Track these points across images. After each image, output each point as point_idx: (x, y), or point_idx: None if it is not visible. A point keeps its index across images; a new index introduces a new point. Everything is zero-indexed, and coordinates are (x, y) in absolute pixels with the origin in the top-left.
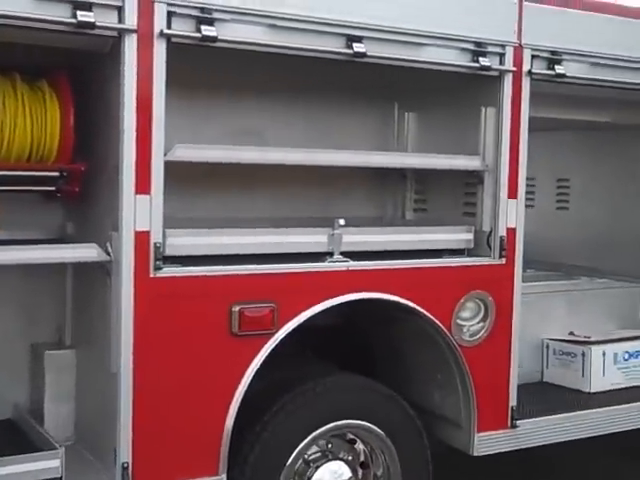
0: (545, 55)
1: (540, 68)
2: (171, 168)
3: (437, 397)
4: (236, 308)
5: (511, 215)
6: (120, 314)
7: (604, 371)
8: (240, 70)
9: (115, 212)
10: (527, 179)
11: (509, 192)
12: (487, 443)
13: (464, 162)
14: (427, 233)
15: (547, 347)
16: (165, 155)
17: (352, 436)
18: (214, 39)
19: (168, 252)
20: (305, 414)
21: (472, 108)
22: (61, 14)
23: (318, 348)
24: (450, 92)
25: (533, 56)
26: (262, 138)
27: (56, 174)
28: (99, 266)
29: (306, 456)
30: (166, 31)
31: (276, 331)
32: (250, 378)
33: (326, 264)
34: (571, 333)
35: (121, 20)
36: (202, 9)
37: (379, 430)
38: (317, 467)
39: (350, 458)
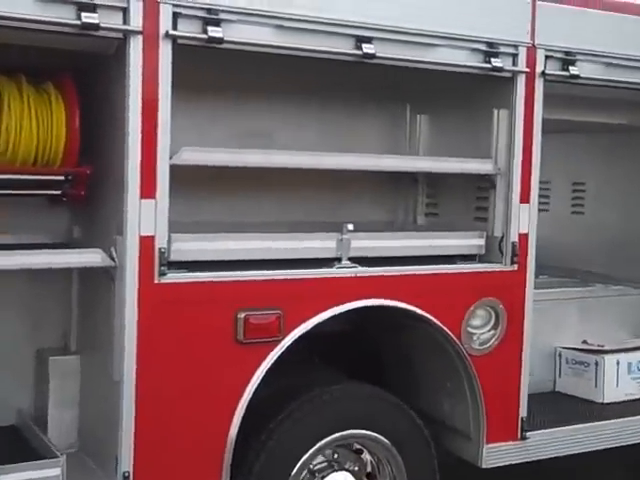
0: (559, 56)
1: (554, 69)
2: (177, 171)
3: (446, 406)
4: (242, 315)
5: (523, 220)
6: (123, 320)
7: (618, 381)
8: (249, 71)
9: (120, 216)
10: (542, 182)
11: (521, 196)
12: (496, 455)
13: (476, 166)
14: (437, 238)
15: (560, 356)
16: (171, 158)
17: (359, 446)
18: (220, 40)
19: (173, 257)
20: (311, 423)
21: (484, 110)
22: (65, 16)
23: (326, 355)
24: (462, 94)
25: (547, 57)
26: (271, 140)
27: (61, 178)
28: (104, 271)
29: (311, 466)
30: (172, 32)
31: (282, 338)
32: (255, 386)
33: (334, 270)
34: (584, 341)
35: (126, 21)
36: (208, 10)
37: (386, 440)
38: (323, 477)
39: (356, 469)
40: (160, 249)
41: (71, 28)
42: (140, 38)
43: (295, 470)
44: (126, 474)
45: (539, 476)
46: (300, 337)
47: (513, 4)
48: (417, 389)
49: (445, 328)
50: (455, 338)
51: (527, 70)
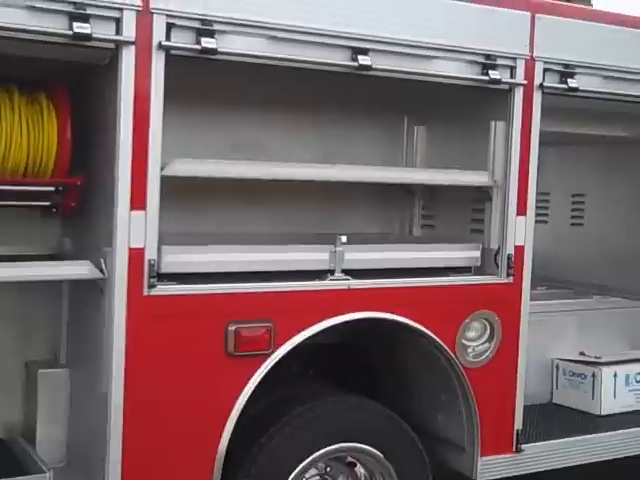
0: (557, 68)
1: (552, 81)
2: (171, 182)
3: (441, 419)
4: (232, 327)
5: (520, 233)
6: (112, 332)
7: (615, 393)
8: (244, 82)
9: (109, 228)
10: (541, 194)
11: (518, 209)
12: (491, 468)
13: (471, 178)
14: (432, 251)
15: (557, 367)
16: (162, 170)
17: (352, 459)
18: (214, 51)
19: (164, 269)
20: (302, 436)
21: (482, 122)
22: (57, 26)
23: (322, 366)
24: (460, 105)
25: (545, 69)
26: (267, 152)
27: (51, 189)
28: (93, 283)
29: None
30: (165, 43)
31: (273, 351)
32: (246, 400)
33: (326, 282)
34: (582, 353)
35: (119, 32)
36: (202, 21)
37: (379, 453)
38: None
39: None
40: (150, 261)
41: (63, 38)
42: (133, 49)
43: None
44: None
45: None
46: (294, 349)
47: (512, 16)
48: (411, 401)
49: (439, 340)
50: (449, 351)
51: (525, 82)
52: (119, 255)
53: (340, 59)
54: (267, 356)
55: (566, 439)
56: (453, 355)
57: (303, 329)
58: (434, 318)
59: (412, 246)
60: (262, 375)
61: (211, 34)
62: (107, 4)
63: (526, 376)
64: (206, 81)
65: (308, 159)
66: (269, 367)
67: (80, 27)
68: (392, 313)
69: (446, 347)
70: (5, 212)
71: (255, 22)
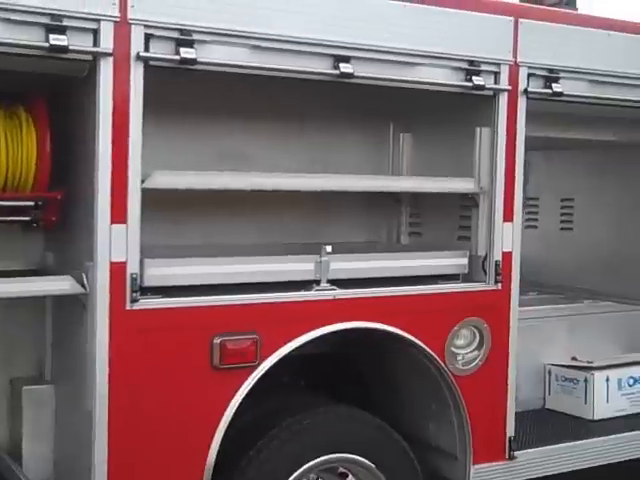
0: (542, 73)
1: (537, 87)
2: (153, 194)
3: (432, 428)
4: (217, 340)
5: (507, 239)
6: (94, 348)
7: (608, 397)
8: (228, 92)
9: (90, 242)
10: (530, 199)
11: (505, 215)
12: (484, 476)
13: (457, 185)
14: (419, 259)
15: (549, 373)
16: (143, 182)
17: (343, 470)
18: (193, 61)
19: (147, 283)
20: (292, 448)
21: (467, 128)
22: (33, 38)
23: (312, 377)
24: (445, 112)
25: (529, 74)
26: (252, 162)
27: (31, 204)
28: (76, 299)
29: None
30: (143, 54)
31: (259, 363)
32: (233, 412)
33: (311, 293)
34: (574, 358)
35: (96, 43)
36: (181, 31)
37: (370, 463)
38: None
39: None
40: (132, 275)
41: (39, 51)
42: (111, 60)
43: None
44: None
45: None
46: (284, 360)
47: (495, 22)
48: (402, 410)
49: (428, 349)
50: (438, 359)
51: (509, 88)
52: (100, 269)
53: (321, 67)
54: (253, 368)
55: (559, 445)
56: (442, 363)
57: (289, 340)
58: (422, 327)
59: (398, 255)
60: (249, 387)
61: (190, 44)
62: (84, 15)
63: (518, 382)
64: (189, 91)
65: (294, 168)
66: (256, 379)
67: (56, 39)
68: (379, 322)
69: (435, 356)
70: None
71: (235, 31)
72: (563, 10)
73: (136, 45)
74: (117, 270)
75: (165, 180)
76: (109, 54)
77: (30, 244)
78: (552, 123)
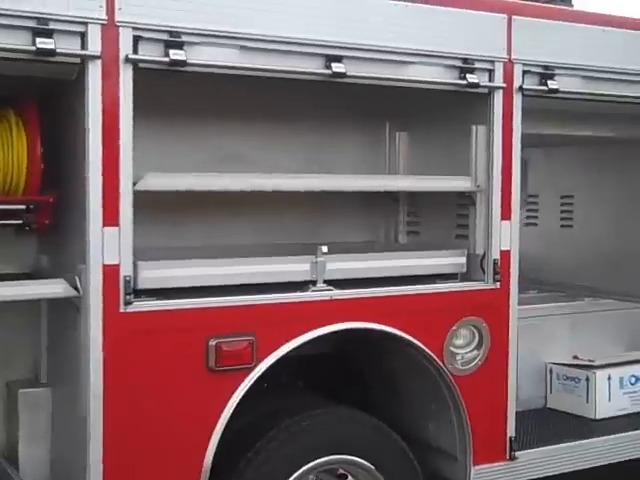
0: (537, 70)
1: (532, 84)
2: (150, 196)
3: (432, 428)
4: (213, 342)
5: (505, 237)
6: (88, 351)
7: (610, 396)
8: (222, 93)
9: (82, 245)
10: (530, 196)
11: (502, 213)
12: (484, 476)
13: (454, 183)
14: (416, 258)
15: (550, 372)
16: (136, 184)
17: (343, 471)
18: (183, 63)
19: (141, 285)
20: (290, 450)
21: (463, 126)
22: (19, 42)
23: (312, 377)
24: (442, 110)
25: (524, 71)
26: (248, 163)
27: (22, 207)
28: (69, 301)
29: None
30: (132, 56)
31: (256, 365)
32: (230, 414)
33: (308, 294)
34: (575, 357)
35: (84, 46)
36: (170, 32)
37: (369, 465)
38: None
39: None
40: (125, 277)
41: (26, 54)
42: (99, 63)
43: None
44: None
45: None
46: (282, 361)
47: (488, 19)
48: (402, 410)
49: (426, 349)
50: (437, 359)
51: (504, 85)
52: (93, 272)
53: (313, 67)
54: (250, 370)
55: (561, 445)
56: (441, 363)
57: (286, 341)
58: (420, 326)
59: (396, 254)
60: (246, 389)
61: (180, 46)
62: (71, 18)
63: (520, 381)
64: (180, 93)
65: (290, 168)
66: (252, 381)
67: (43, 42)
68: (377, 323)
69: (434, 355)
70: None
71: (225, 32)
72: (558, 7)
73: (125, 47)
74: (110, 273)
75: (157, 182)
76: (97, 57)
77: (24, 247)
78: (548, 120)
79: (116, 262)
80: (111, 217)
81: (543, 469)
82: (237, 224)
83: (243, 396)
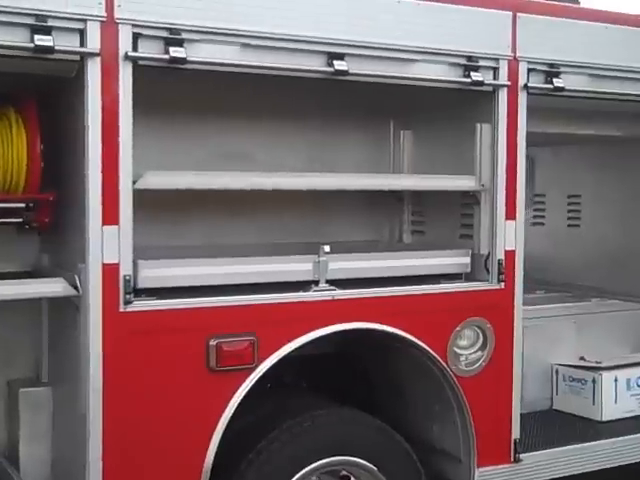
0: (542, 68)
1: (537, 82)
2: (152, 194)
3: (436, 430)
4: (213, 342)
5: (509, 237)
6: (88, 351)
7: (616, 398)
8: (226, 91)
9: (83, 244)
10: (537, 196)
11: (507, 213)
12: (488, 479)
13: (458, 182)
14: (419, 258)
15: (556, 373)
16: (135, 183)
17: (345, 472)
18: (183, 60)
19: (141, 285)
20: (292, 451)
21: (467, 125)
22: (18, 39)
23: (315, 377)
24: (446, 109)
25: (529, 69)
26: (251, 162)
27: (22, 205)
28: (69, 300)
29: None
30: (132, 54)
31: (257, 365)
32: (231, 414)
33: (309, 294)
34: (582, 358)
35: (83, 43)
36: (170, 30)
37: (372, 466)
38: None
39: None
40: (125, 276)
41: (24, 51)
42: (98, 60)
43: None
44: None
45: None
46: (285, 361)
47: (493, 16)
48: (406, 411)
49: (430, 350)
50: (441, 360)
51: (509, 83)
52: (92, 271)
53: (315, 65)
54: (251, 370)
55: (566, 447)
56: (445, 364)
57: (288, 342)
58: (424, 327)
59: (399, 254)
60: (247, 389)
61: (180, 43)
62: (70, 15)
63: (525, 382)
64: (183, 90)
65: (293, 167)
66: (254, 381)
67: (41, 40)
68: (380, 323)
69: (437, 356)
70: None
71: (225, 30)
72: (563, 4)
73: (124, 45)
74: (110, 272)
75: (157, 180)
76: (96, 54)
77: (25, 246)
78: (553, 118)
79: (116, 261)
80: (111, 216)
81: (548, 472)
82: (239, 223)
83: (245, 396)
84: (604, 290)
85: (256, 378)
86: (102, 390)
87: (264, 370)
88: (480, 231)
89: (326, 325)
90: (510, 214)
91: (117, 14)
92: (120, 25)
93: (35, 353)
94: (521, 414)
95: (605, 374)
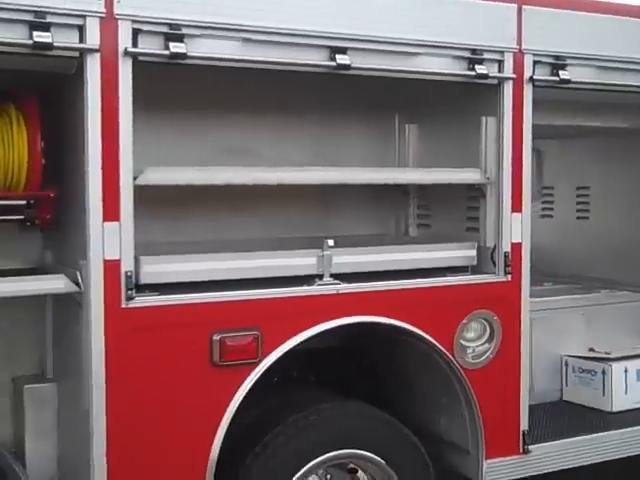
0: (548, 60)
1: (543, 74)
2: (153, 190)
3: (444, 422)
4: (217, 337)
5: (516, 230)
6: (90, 347)
7: (626, 389)
8: (230, 87)
9: (83, 240)
10: (546, 188)
11: (513, 206)
12: (496, 471)
13: (464, 175)
14: (425, 251)
15: (566, 364)
16: (136, 179)
17: (353, 465)
18: (183, 56)
19: (143, 280)
20: (298, 444)
21: (473, 118)
22: (16, 35)
23: (323, 371)
24: (451, 102)
25: (535, 62)
26: (255, 157)
27: (23, 202)
28: (72, 297)
29: None
30: (131, 49)
31: (261, 360)
32: (235, 409)
33: (313, 288)
34: (591, 349)
35: (82, 39)
36: (170, 25)
37: (380, 459)
38: None
39: None
40: (126, 272)
41: (23, 48)
42: (98, 56)
43: None
44: None
45: None
46: (292, 355)
47: (497, 9)
48: (414, 404)
49: (436, 343)
50: (447, 352)
51: (514, 76)
52: (94, 268)
53: (317, 59)
54: (255, 364)
55: (575, 438)
56: (452, 357)
57: (292, 336)
58: (430, 320)
59: (404, 247)
60: (251, 383)
61: (180, 38)
62: (68, 12)
63: (535, 374)
64: (184, 85)
65: (298, 162)
66: (258, 375)
67: (40, 36)
68: (386, 316)
69: (444, 349)
70: None
71: (226, 24)
72: None
73: (124, 41)
74: (111, 268)
75: (158, 176)
76: (96, 50)
77: (28, 243)
78: (559, 111)
79: (117, 257)
80: (111, 212)
81: (558, 463)
82: (243, 218)
83: (250, 390)
84: (613, 281)
85: (260, 372)
86: (105, 386)
87: (268, 364)
88: (486, 224)
89: (330, 319)
90: (516, 206)
91: (116, 10)
92: (120, 21)
93: (40, 350)
94: (531, 406)
95: (615, 365)
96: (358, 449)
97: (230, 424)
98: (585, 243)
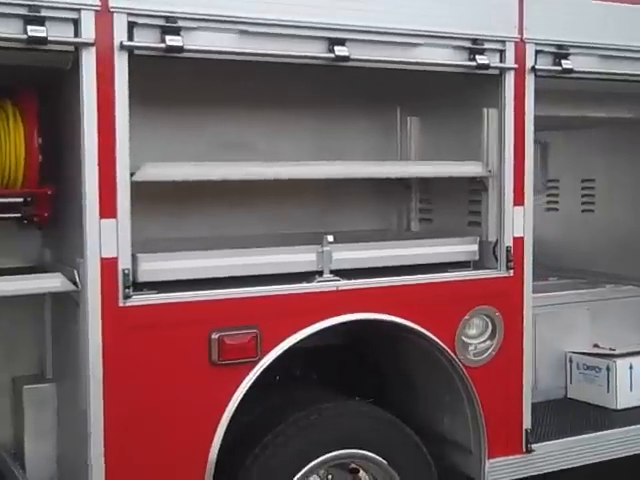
0: (550, 50)
1: (545, 64)
2: (150, 186)
3: (446, 421)
4: (215, 335)
5: (518, 224)
6: (87, 346)
7: (631, 386)
8: (230, 80)
9: (80, 238)
10: (551, 181)
11: (515, 199)
12: (499, 470)
13: (465, 168)
14: (426, 246)
15: (570, 361)
16: (132, 175)
17: (354, 465)
18: (180, 49)
19: (141, 278)
20: (299, 444)
21: (474, 109)
22: (10, 30)
23: (325, 369)
24: (453, 94)
25: (537, 51)
26: (253, 151)
27: (20, 200)
28: (69, 296)
29: None
30: (127, 43)
31: (260, 358)
32: (234, 408)
33: (313, 285)
34: (596, 345)
35: (77, 33)
36: (166, 18)
37: (381, 459)
38: None
39: None
40: (124, 270)
41: (17, 43)
42: (93, 50)
43: None
44: None
45: None
46: (294, 353)
47: None
48: (417, 403)
49: (437, 340)
50: (448, 349)
51: (516, 66)
52: (91, 266)
53: (316, 51)
54: (255, 363)
55: (580, 436)
56: (453, 354)
57: (291, 334)
58: (431, 316)
59: (405, 242)
60: (251, 382)
61: (176, 31)
62: (63, 5)
63: (539, 371)
64: (181, 79)
65: (299, 156)
66: (257, 374)
67: (34, 30)
68: (386, 313)
69: (445, 346)
70: None
71: (222, 17)
72: None
73: (119, 34)
74: (108, 266)
75: (156, 172)
76: (91, 44)
77: (26, 241)
78: (563, 101)
79: (114, 255)
80: (108, 209)
81: (561, 461)
82: (241, 214)
83: (250, 389)
84: (619, 276)
85: (259, 371)
86: (102, 386)
87: (267, 363)
88: (488, 218)
89: (330, 316)
90: (518, 200)
91: (111, 3)
92: (115, 14)
93: (39, 349)
94: (535, 403)
95: (619, 361)
96: (359, 449)
97: (230, 423)
98: (590, 236)
